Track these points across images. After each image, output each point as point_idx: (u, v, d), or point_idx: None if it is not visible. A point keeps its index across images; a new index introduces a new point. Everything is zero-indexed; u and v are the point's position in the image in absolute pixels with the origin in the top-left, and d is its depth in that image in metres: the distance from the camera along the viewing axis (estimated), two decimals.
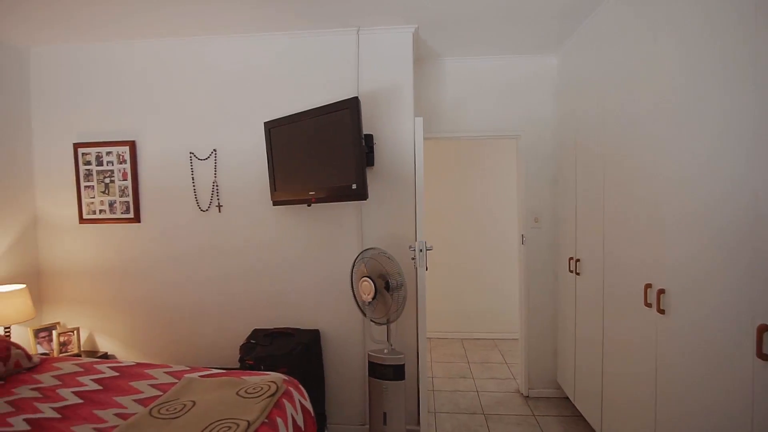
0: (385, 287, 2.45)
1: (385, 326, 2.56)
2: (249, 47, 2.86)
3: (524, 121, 3.28)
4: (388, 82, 2.78)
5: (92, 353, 2.98)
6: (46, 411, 1.72)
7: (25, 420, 1.64)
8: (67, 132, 3.02)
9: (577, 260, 2.79)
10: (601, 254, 2.42)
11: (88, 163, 2.99)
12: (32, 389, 1.93)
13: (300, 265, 2.88)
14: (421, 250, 2.52)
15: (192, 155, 2.91)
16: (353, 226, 2.83)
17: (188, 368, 2.18)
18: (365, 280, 2.44)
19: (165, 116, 2.94)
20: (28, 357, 2.20)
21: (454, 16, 2.60)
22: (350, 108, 2.34)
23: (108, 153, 2.97)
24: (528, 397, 3.33)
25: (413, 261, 2.64)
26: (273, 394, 1.82)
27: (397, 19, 2.66)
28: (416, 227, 2.69)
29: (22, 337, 2.81)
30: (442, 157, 4.82)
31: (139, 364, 2.22)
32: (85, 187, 3.00)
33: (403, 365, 2.48)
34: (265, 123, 2.74)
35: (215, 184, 2.90)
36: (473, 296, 4.83)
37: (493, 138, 3.38)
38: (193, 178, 2.91)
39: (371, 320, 2.55)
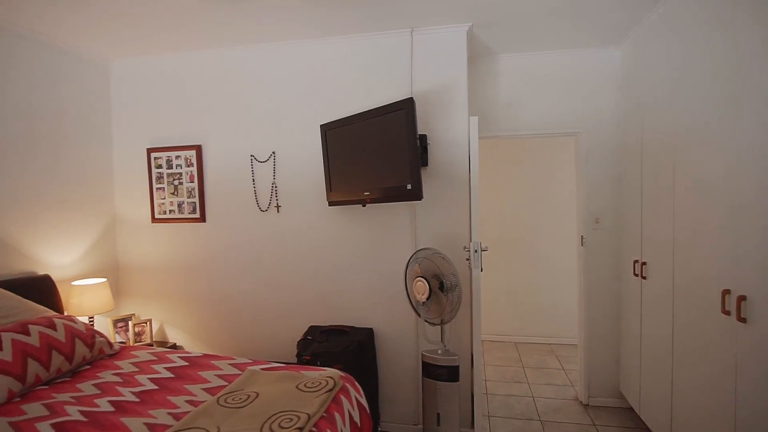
0: (440, 288, 2.44)
1: (439, 327, 2.56)
2: (306, 53, 2.96)
3: (584, 117, 3.15)
4: (442, 82, 2.77)
5: (163, 343, 3.20)
6: (127, 395, 1.87)
7: (109, 402, 1.79)
8: (142, 138, 3.26)
9: (643, 263, 2.64)
10: (671, 257, 2.28)
11: (160, 166, 3.21)
12: (114, 374, 2.10)
13: (354, 264, 2.93)
14: (476, 251, 2.49)
15: (252, 158, 3.05)
16: (406, 226, 2.84)
17: (250, 361, 2.29)
18: (420, 280, 2.44)
19: (228, 121, 3.10)
20: (110, 345, 2.40)
21: (509, 13, 2.54)
22: (405, 109, 2.35)
23: (177, 157, 3.17)
24: (587, 405, 3.19)
25: (468, 262, 2.61)
26: (331, 389, 1.87)
27: (452, 19, 2.64)
28: (471, 227, 2.66)
29: (102, 326, 3.07)
30: (496, 156, 4.72)
31: (205, 355, 2.35)
32: (157, 189, 3.23)
33: (458, 366, 2.47)
34: (321, 126, 2.82)
35: (274, 185, 3.02)
36: (528, 298, 4.69)
37: (550, 136, 3.27)
38: (253, 180, 3.05)
39: (425, 320, 2.55)
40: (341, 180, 2.75)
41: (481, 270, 2.55)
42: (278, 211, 3.03)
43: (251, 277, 3.11)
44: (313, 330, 2.86)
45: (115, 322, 3.08)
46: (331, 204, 2.82)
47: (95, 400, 1.81)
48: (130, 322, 3.12)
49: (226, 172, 3.12)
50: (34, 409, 1.73)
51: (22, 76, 2.66)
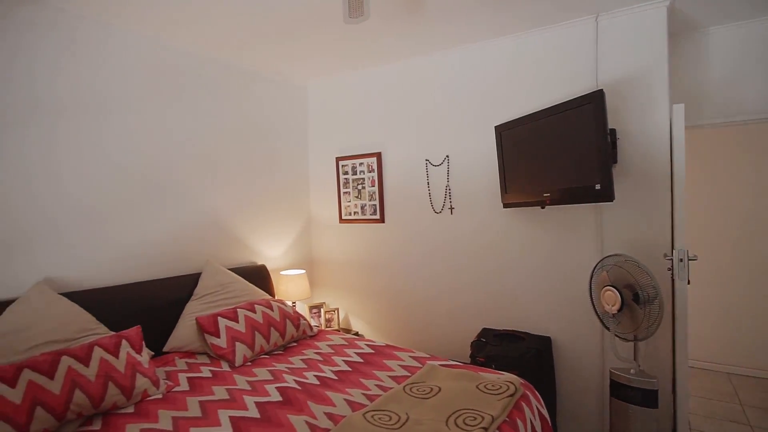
0: (634, 299, 2.18)
1: (632, 343, 2.28)
2: (478, 55, 2.97)
3: None
4: (635, 69, 2.46)
5: (347, 330, 3.58)
6: (327, 372, 2.16)
7: (315, 376, 2.09)
8: (331, 148, 3.71)
9: None
10: None
11: (346, 173, 3.61)
12: (315, 353, 2.44)
13: (529, 268, 2.82)
14: (681, 260, 2.15)
15: (427, 162, 3.19)
16: (590, 230, 2.61)
17: (428, 356, 2.39)
18: (609, 290, 2.22)
19: (405, 129, 3.30)
20: (310, 327, 2.79)
21: None
22: (593, 102, 2.17)
23: (360, 164, 3.52)
24: None
25: (669, 272, 2.27)
26: (512, 395, 1.83)
27: None
28: (673, 232, 2.31)
29: (300, 311, 3.59)
30: (703, 149, 3.98)
31: (388, 346, 2.55)
32: (344, 192, 3.64)
33: (656, 391, 2.16)
34: (495, 127, 2.79)
35: (448, 187, 3.10)
36: (749, 321, 3.82)
37: None
38: (428, 183, 3.19)
39: (615, 334, 2.30)
40: (517, 181, 2.68)
41: (688, 282, 2.19)
42: (452, 213, 3.10)
43: (425, 275, 3.25)
44: (486, 332, 2.85)
45: (310, 308, 3.57)
46: (506, 206, 2.77)
47: (304, 373, 2.13)
48: (322, 310, 3.57)
49: (402, 177, 3.33)
50: (262, 373, 2.12)
51: (248, 103, 3.30)
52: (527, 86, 2.79)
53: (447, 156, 3.11)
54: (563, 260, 2.70)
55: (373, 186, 3.46)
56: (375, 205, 3.46)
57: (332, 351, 2.47)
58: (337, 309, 3.61)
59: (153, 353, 2.23)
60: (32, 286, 2.07)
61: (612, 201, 2.18)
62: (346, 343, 2.60)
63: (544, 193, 2.47)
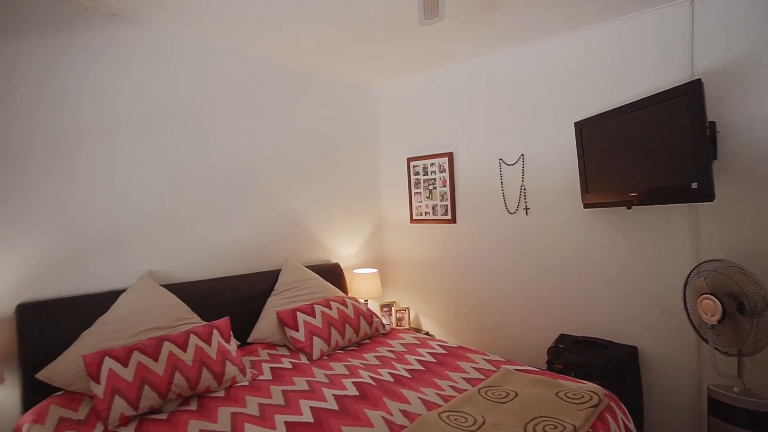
0: (738, 309, 1.96)
1: (735, 358, 2.06)
2: (555, 50, 2.84)
3: None
4: (737, 55, 2.22)
5: (418, 330, 3.59)
6: (401, 370, 2.18)
7: (389, 373, 2.13)
8: (402, 149, 3.75)
9: None
10: None
11: (417, 173, 3.62)
12: (388, 351, 2.48)
13: (613, 272, 2.65)
14: None
15: (501, 161, 3.11)
16: (683, 233, 2.40)
17: (503, 359, 2.34)
18: (707, 298, 2.02)
19: (477, 128, 3.25)
20: (383, 325, 2.84)
21: None
22: (690, 93, 1.99)
23: (432, 164, 3.52)
24: None
25: None
26: (596, 406, 1.73)
27: None
28: None
29: (372, 310, 3.67)
30: None
31: (460, 347, 2.52)
32: (415, 193, 3.65)
33: (767, 414, 1.93)
34: (575, 123, 2.65)
35: (522, 187, 3.01)
36: None
37: None
38: (501, 183, 3.11)
39: (715, 348, 2.09)
40: (599, 180, 2.53)
41: None
42: (527, 213, 3.00)
43: (498, 277, 3.17)
44: (564, 338, 2.72)
45: (381, 307, 3.63)
46: (586, 206, 2.63)
47: (378, 370, 2.17)
48: (392, 308, 3.62)
49: (475, 177, 3.28)
50: (338, 367, 2.20)
51: (321, 107, 3.44)
52: (608, 80, 2.63)
53: (522, 155, 3.01)
54: (652, 265, 2.51)
55: (445, 186, 3.44)
56: (446, 205, 3.44)
57: (405, 350, 2.50)
58: (408, 308, 3.64)
59: (239, 343, 2.40)
60: (138, 278, 2.32)
61: (712, 201, 1.99)
62: (418, 343, 2.61)
63: (631, 192, 2.31)
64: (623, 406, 1.92)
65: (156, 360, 1.85)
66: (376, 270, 3.48)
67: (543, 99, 2.91)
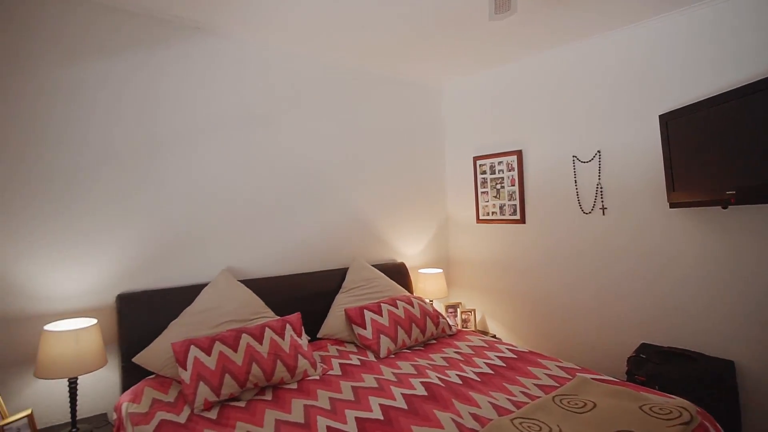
0: None
1: None
2: (632, 39, 2.65)
3: None
4: None
5: (484, 332, 3.52)
6: (469, 373, 2.14)
7: (457, 375, 2.09)
8: (468, 147, 3.68)
9: None
10: None
11: (484, 172, 3.54)
12: (455, 352, 2.45)
13: (703, 277, 2.42)
14: None
15: (575, 158, 2.95)
16: None
17: (578, 367, 2.21)
18: None
19: (547, 124, 3.11)
20: (449, 326, 2.81)
21: None
22: None
23: (499, 162, 3.42)
24: None
25: None
26: (687, 423, 1.59)
27: None
28: None
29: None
30: None
31: (531, 352, 2.43)
32: (481, 192, 3.57)
33: None
34: (660, 116, 2.45)
35: (599, 186, 2.83)
36: None
37: None
38: (575, 181, 2.95)
39: None
40: (689, 178, 2.32)
41: None
42: (604, 213, 2.82)
43: (572, 281, 3.01)
44: (646, 348, 2.53)
45: (447, 307, 3.59)
46: (673, 206, 2.42)
47: (446, 371, 2.15)
48: (458, 309, 3.56)
49: (546, 175, 3.14)
50: (405, 366, 2.21)
51: (386, 107, 3.47)
52: (697, 68, 2.40)
53: (598, 151, 2.83)
54: (753, 271, 2.25)
55: (513, 185, 3.33)
56: (515, 205, 3.33)
57: (472, 352, 2.45)
58: (474, 310, 3.57)
59: (309, 338, 2.49)
60: (219, 273, 2.47)
61: None
62: (486, 345, 2.55)
63: (728, 190, 2.09)
64: (719, 427, 1.75)
65: (235, 351, 1.96)
66: (441, 270, 3.45)
67: (621, 91, 2.72)
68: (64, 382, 1.92)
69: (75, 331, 1.82)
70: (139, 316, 2.15)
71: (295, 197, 2.93)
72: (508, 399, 1.85)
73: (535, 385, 2.01)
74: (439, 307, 3.63)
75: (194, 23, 2.48)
